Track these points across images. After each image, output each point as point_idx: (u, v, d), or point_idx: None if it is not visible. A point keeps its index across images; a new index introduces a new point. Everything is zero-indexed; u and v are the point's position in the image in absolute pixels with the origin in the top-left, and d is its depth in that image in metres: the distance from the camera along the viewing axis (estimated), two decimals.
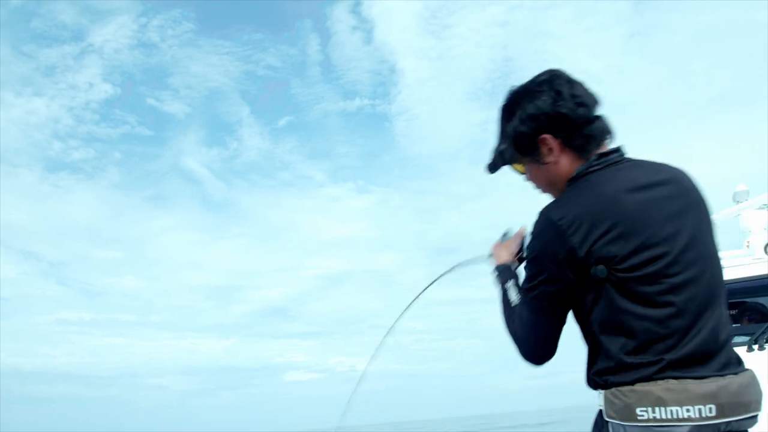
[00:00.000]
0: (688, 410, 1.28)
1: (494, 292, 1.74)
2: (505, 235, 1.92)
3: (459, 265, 2.09)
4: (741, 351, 4.20)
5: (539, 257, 1.45)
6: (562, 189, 1.55)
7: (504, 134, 1.64)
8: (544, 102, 1.52)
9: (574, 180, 1.51)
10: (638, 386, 1.32)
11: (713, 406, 1.28)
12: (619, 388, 1.34)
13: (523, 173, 1.69)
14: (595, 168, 1.49)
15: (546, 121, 1.52)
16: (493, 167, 1.76)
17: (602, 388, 1.39)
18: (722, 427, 1.30)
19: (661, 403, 1.29)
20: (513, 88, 1.61)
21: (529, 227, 1.65)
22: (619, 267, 1.34)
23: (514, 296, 1.63)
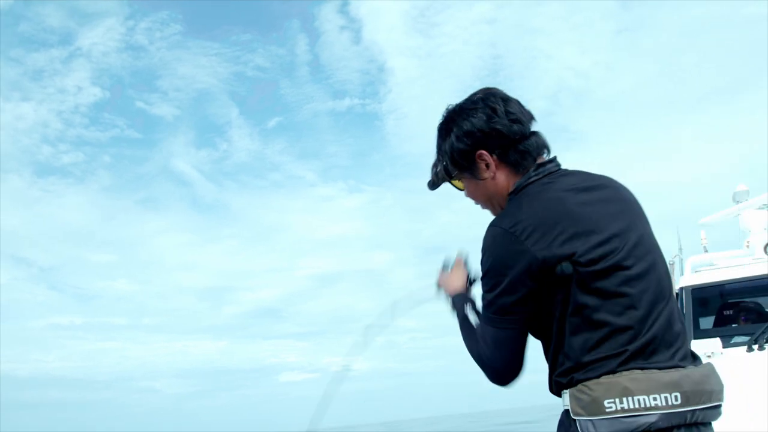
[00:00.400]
0: (654, 398, 1.29)
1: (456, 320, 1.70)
2: (445, 265, 1.89)
3: (403, 304, 2.01)
4: (741, 351, 4.21)
5: (495, 268, 1.44)
6: (502, 203, 1.60)
7: (441, 152, 1.67)
8: (479, 119, 1.55)
9: (516, 191, 1.54)
10: (604, 379, 1.33)
11: (678, 394, 1.31)
12: (585, 383, 1.35)
13: (462, 189, 1.72)
14: (534, 179, 1.53)
15: (482, 138, 1.55)
16: (433, 185, 1.78)
17: (567, 388, 1.39)
18: (688, 417, 1.32)
19: (628, 393, 1.30)
20: (448, 107, 1.65)
21: (467, 250, 1.75)
22: (580, 262, 1.37)
23: (475, 319, 1.62)
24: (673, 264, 5.49)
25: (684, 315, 5.02)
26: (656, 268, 1.46)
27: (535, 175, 1.54)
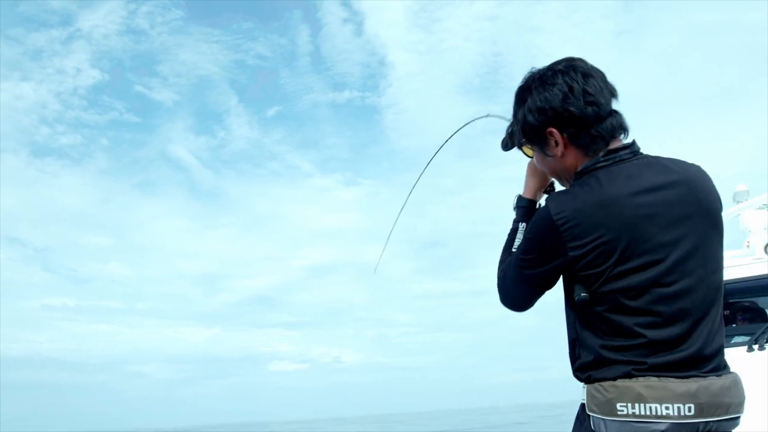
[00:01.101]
0: (667, 408, 1.31)
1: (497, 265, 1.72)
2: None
3: (489, 115, 2.04)
4: (741, 351, 4.14)
5: (533, 243, 1.52)
6: (569, 180, 1.59)
7: (516, 118, 1.65)
8: (554, 96, 1.50)
9: (581, 175, 1.51)
10: (619, 382, 1.35)
11: (692, 405, 1.32)
12: (601, 383, 1.38)
13: (531, 156, 1.73)
14: (603, 165, 1.48)
15: (553, 116, 1.51)
16: (505, 146, 1.81)
17: (585, 383, 1.43)
18: (701, 427, 1.33)
19: (641, 399, 1.32)
20: (530, 72, 1.60)
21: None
22: (606, 277, 1.37)
23: (518, 243, 1.66)
24: None
25: None
26: (705, 282, 1.41)
27: (604, 161, 1.48)
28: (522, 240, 1.61)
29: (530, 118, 1.55)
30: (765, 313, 5.02)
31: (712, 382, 1.36)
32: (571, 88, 1.48)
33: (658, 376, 1.34)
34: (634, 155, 1.50)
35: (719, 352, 1.42)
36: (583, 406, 1.44)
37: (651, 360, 1.35)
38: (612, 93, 1.52)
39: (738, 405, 1.40)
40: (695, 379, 1.35)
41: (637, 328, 1.36)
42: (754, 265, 5.09)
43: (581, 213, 1.39)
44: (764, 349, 4.03)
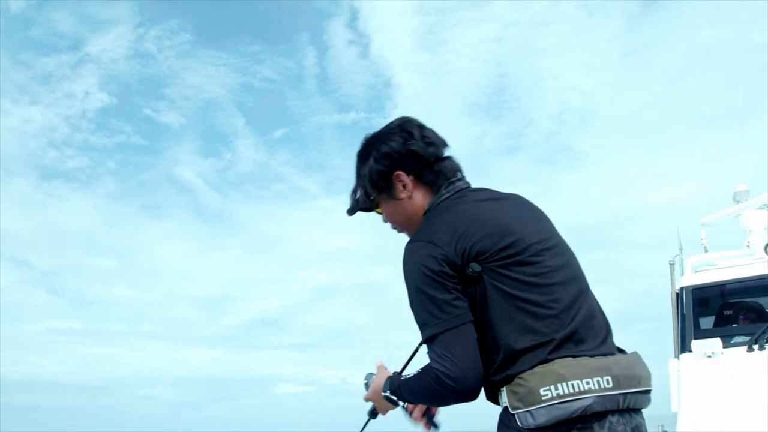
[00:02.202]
0: (588, 382, 1.33)
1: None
2: (367, 381, 1.78)
3: None
4: (741, 351, 4.21)
5: (420, 276, 1.43)
6: (419, 224, 1.63)
7: (359, 176, 1.74)
8: (396, 142, 1.65)
9: (430, 210, 1.63)
10: (538, 368, 1.37)
11: (609, 378, 1.35)
12: (520, 376, 1.38)
13: (380, 213, 1.77)
14: (446, 196, 1.62)
15: (398, 159, 1.64)
16: (351, 210, 1.81)
17: (503, 385, 1.42)
18: (621, 401, 1.36)
19: (562, 379, 1.33)
20: (367, 135, 1.74)
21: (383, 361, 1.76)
22: (491, 259, 1.43)
23: (414, 371, 1.54)
24: (673, 264, 5.48)
25: (684, 315, 5.03)
26: (571, 264, 1.54)
27: (446, 192, 1.63)
28: (411, 300, 1.48)
29: (377, 166, 1.66)
30: (766, 313, 5.09)
31: (621, 358, 1.44)
32: (410, 133, 1.65)
33: (573, 356, 1.38)
34: (469, 186, 1.67)
35: (607, 328, 1.51)
36: (505, 409, 1.41)
37: (558, 334, 1.39)
38: (444, 143, 1.70)
39: (647, 378, 1.46)
40: (605, 356, 1.41)
41: (532, 306, 1.41)
42: (754, 265, 5.16)
43: (447, 226, 1.48)
44: (764, 349, 4.09)
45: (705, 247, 6.51)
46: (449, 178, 1.65)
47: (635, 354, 1.52)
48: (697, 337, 4.67)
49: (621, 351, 1.52)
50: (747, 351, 4.16)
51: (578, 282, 1.52)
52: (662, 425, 5.78)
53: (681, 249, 6.05)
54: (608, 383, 1.35)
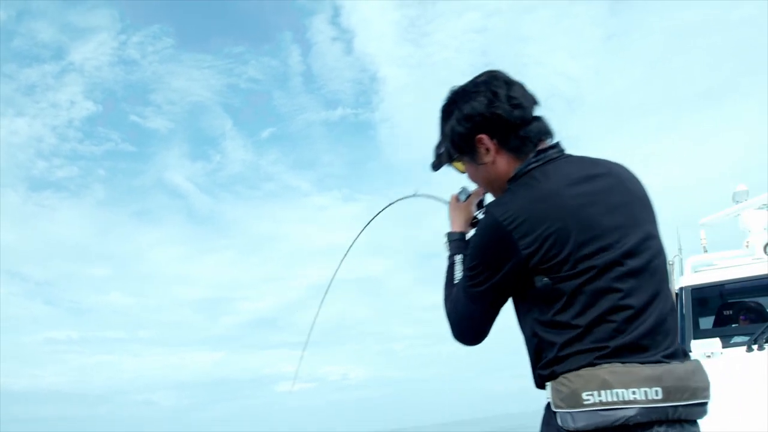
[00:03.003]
0: (634, 392, 1.28)
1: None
2: (463, 191, 1.88)
3: (415, 194, 2.08)
4: (741, 351, 4.21)
5: (482, 252, 1.48)
6: (502, 188, 1.58)
7: (443, 134, 1.67)
8: (479, 103, 1.54)
9: (516, 178, 1.53)
10: (584, 371, 1.33)
11: (659, 389, 1.29)
12: (565, 375, 1.35)
13: (463, 172, 1.72)
14: (534, 165, 1.51)
15: (482, 122, 1.54)
16: (436, 166, 1.79)
17: (549, 380, 1.39)
18: (670, 412, 1.30)
19: (607, 385, 1.29)
20: (452, 89, 1.64)
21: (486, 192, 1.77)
22: (564, 267, 1.36)
23: (459, 273, 1.65)
24: (672, 264, 5.48)
25: (684, 315, 5.02)
26: (653, 263, 1.44)
27: (535, 161, 1.51)
28: (468, 257, 1.56)
29: (459, 128, 1.58)
30: (766, 313, 5.08)
31: (676, 367, 1.35)
32: (495, 94, 1.53)
33: (622, 362, 1.32)
34: (561, 153, 1.55)
35: (674, 331, 1.43)
36: (548, 405, 1.40)
37: (613, 342, 1.33)
38: (534, 100, 1.58)
39: (704, 390, 1.38)
40: (660, 364, 1.33)
41: (595, 312, 1.35)
42: (754, 265, 5.15)
43: (525, 209, 1.40)
44: (764, 349, 4.09)
45: (704, 247, 6.51)
46: (536, 144, 1.54)
47: (695, 363, 1.42)
48: (696, 338, 4.67)
49: (684, 355, 1.43)
50: (746, 351, 4.15)
51: (655, 284, 1.42)
52: None
53: (680, 249, 6.06)
54: (657, 395, 1.29)
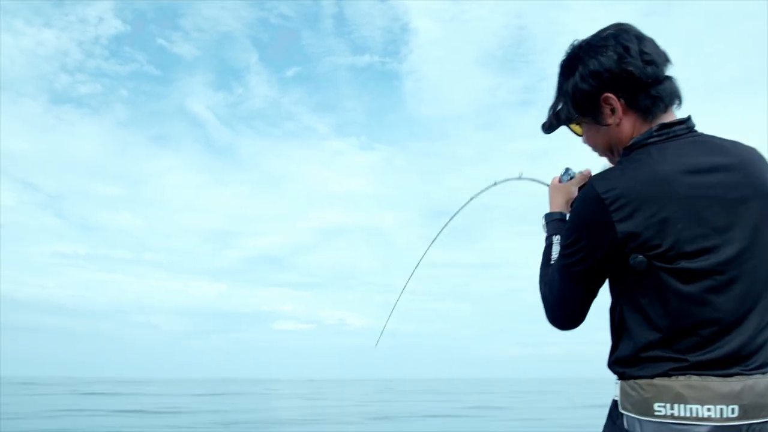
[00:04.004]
0: (709, 409, 1.23)
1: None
2: (566, 172, 1.78)
3: (521, 177, 1.94)
4: None
5: (578, 227, 1.38)
6: (620, 155, 1.47)
7: (562, 92, 1.54)
8: (609, 58, 1.41)
9: (631, 150, 1.41)
10: (657, 380, 1.28)
11: (736, 407, 1.23)
12: (638, 381, 1.30)
13: (580, 135, 1.60)
14: (655, 140, 1.39)
15: (610, 79, 1.41)
16: (549, 127, 1.63)
17: (620, 378, 1.35)
18: (744, 429, 1.24)
19: (681, 399, 1.24)
20: (575, 42, 1.51)
21: (594, 170, 1.62)
22: (660, 258, 1.27)
23: (555, 254, 1.57)
24: None
25: None
26: (757, 273, 1.31)
27: (657, 135, 1.39)
28: (565, 230, 1.45)
29: (584, 85, 1.44)
30: None
31: (758, 381, 1.25)
32: (626, 48, 1.40)
33: (699, 375, 1.24)
34: (689, 131, 1.40)
35: (765, 346, 1.30)
36: (615, 402, 1.35)
37: (693, 357, 1.26)
38: (667, 58, 1.44)
39: None
40: (739, 377, 1.25)
41: (683, 321, 1.27)
42: None
43: (631, 190, 1.29)
44: None
45: None
46: (667, 105, 1.42)
47: None
48: None
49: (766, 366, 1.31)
50: None
51: (756, 294, 1.30)
52: None
53: None
54: (733, 413, 1.23)
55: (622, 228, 1.28)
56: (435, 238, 2.16)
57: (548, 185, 1.80)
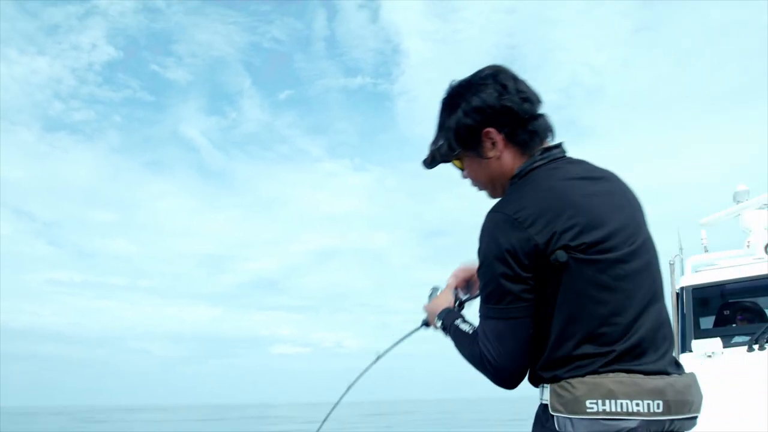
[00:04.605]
0: (637, 404, 1.28)
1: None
2: (432, 292, 1.83)
3: (396, 343, 1.99)
4: (741, 351, 4.22)
5: (496, 254, 1.37)
6: (503, 186, 1.55)
7: (443, 128, 1.60)
8: (489, 95, 1.50)
9: (519, 177, 1.50)
10: (589, 378, 1.31)
11: (660, 402, 1.30)
12: (569, 381, 1.33)
13: (461, 169, 1.64)
14: (539, 163, 1.49)
15: (491, 115, 1.50)
16: (431, 162, 1.66)
17: (549, 383, 1.36)
18: (667, 425, 1.31)
19: (612, 395, 1.28)
20: (455, 82, 1.59)
21: (461, 273, 1.77)
22: (578, 250, 1.33)
23: (467, 327, 1.56)
24: (673, 264, 5.49)
25: (684, 315, 5.03)
26: (652, 267, 1.44)
27: (540, 159, 1.50)
28: (481, 273, 1.43)
29: (467, 120, 1.52)
30: (765, 313, 5.10)
31: (677, 380, 1.36)
32: (505, 86, 1.50)
33: (626, 371, 1.31)
34: (564, 155, 1.54)
35: (671, 336, 1.43)
36: (544, 406, 1.38)
37: (618, 346, 1.33)
38: (539, 98, 1.55)
39: (698, 404, 1.40)
40: (662, 376, 1.34)
41: (604, 311, 1.33)
42: (754, 265, 5.16)
43: (536, 205, 1.37)
44: (764, 349, 4.10)
45: (705, 247, 6.52)
46: (543, 139, 1.53)
47: (692, 376, 1.43)
48: (697, 337, 4.68)
49: (678, 365, 1.44)
50: (747, 351, 4.17)
51: (654, 287, 1.43)
52: None
53: (681, 249, 6.06)
54: (658, 408, 1.30)
55: (539, 239, 1.34)
56: (352, 384, 2.14)
57: (424, 319, 1.84)
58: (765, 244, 5.45)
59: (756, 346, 4.14)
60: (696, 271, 5.63)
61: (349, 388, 2.13)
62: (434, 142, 1.64)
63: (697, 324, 5.06)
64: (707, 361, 4.27)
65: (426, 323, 1.83)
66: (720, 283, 5.25)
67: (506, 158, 1.53)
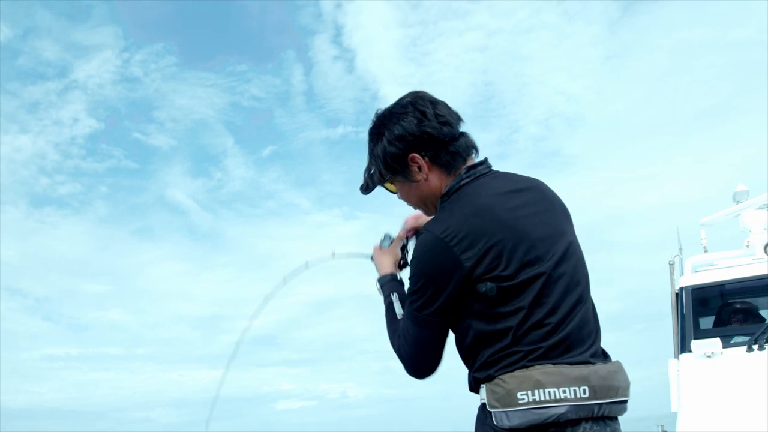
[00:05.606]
0: (564, 391, 1.38)
1: None
2: (386, 238, 1.93)
3: (334, 256, 2.07)
4: (741, 351, 4.21)
5: (426, 273, 1.50)
6: (434, 204, 1.66)
7: (373, 156, 1.71)
8: (410, 123, 1.60)
9: (448, 195, 1.60)
10: (518, 372, 1.41)
11: (586, 388, 1.39)
12: (501, 377, 1.42)
13: (394, 192, 1.76)
14: (466, 181, 1.59)
15: (413, 141, 1.60)
16: (366, 188, 1.79)
17: (485, 382, 1.47)
18: (596, 410, 1.40)
19: (540, 385, 1.38)
20: (378, 112, 1.70)
21: (410, 235, 1.88)
22: (504, 279, 1.42)
23: (399, 310, 1.68)
24: (672, 264, 5.48)
25: (684, 315, 5.02)
26: (577, 270, 1.54)
27: (467, 177, 1.59)
28: (411, 280, 1.56)
29: (391, 148, 1.62)
30: (758, 313, 5.09)
31: (600, 368, 1.45)
32: (423, 113, 1.59)
33: (553, 363, 1.41)
34: (489, 170, 1.63)
35: (596, 332, 1.53)
36: (483, 405, 1.48)
37: (546, 343, 1.42)
38: (459, 117, 1.65)
39: (625, 389, 1.49)
40: (586, 365, 1.43)
41: (529, 318, 1.43)
42: (754, 265, 5.16)
43: (464, 225, 1.46)
44: (764, 349, 4.09)
45: (705, 247, 6.52)
46: (465, 158, 1.62)
47: (617, 363, 1.53)
48: (696, 337, 4.67)
49: (606, 356, 1.54)
50: (747, 351, 4.16)
51: (579, 289, 1.52)
52: (662, 425, 5.77)
53: (681, 249, 6.06)
54: (584, 393, 1.39)
55: (467, 261, 1.43)
56: (254, 315, 2.28)
57: (370, 255, 1.95)
58: (764, 244, 5.45)
59: (755, 347, 4.13)
60: (695, 271, 5.63)
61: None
62: (367, 170, 1.77)
63: (696, 324, 5.05)
64: (707, 361, 4.26)
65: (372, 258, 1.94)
66: (719, 283, 5.25)
67: (433, 179, 1.63)
